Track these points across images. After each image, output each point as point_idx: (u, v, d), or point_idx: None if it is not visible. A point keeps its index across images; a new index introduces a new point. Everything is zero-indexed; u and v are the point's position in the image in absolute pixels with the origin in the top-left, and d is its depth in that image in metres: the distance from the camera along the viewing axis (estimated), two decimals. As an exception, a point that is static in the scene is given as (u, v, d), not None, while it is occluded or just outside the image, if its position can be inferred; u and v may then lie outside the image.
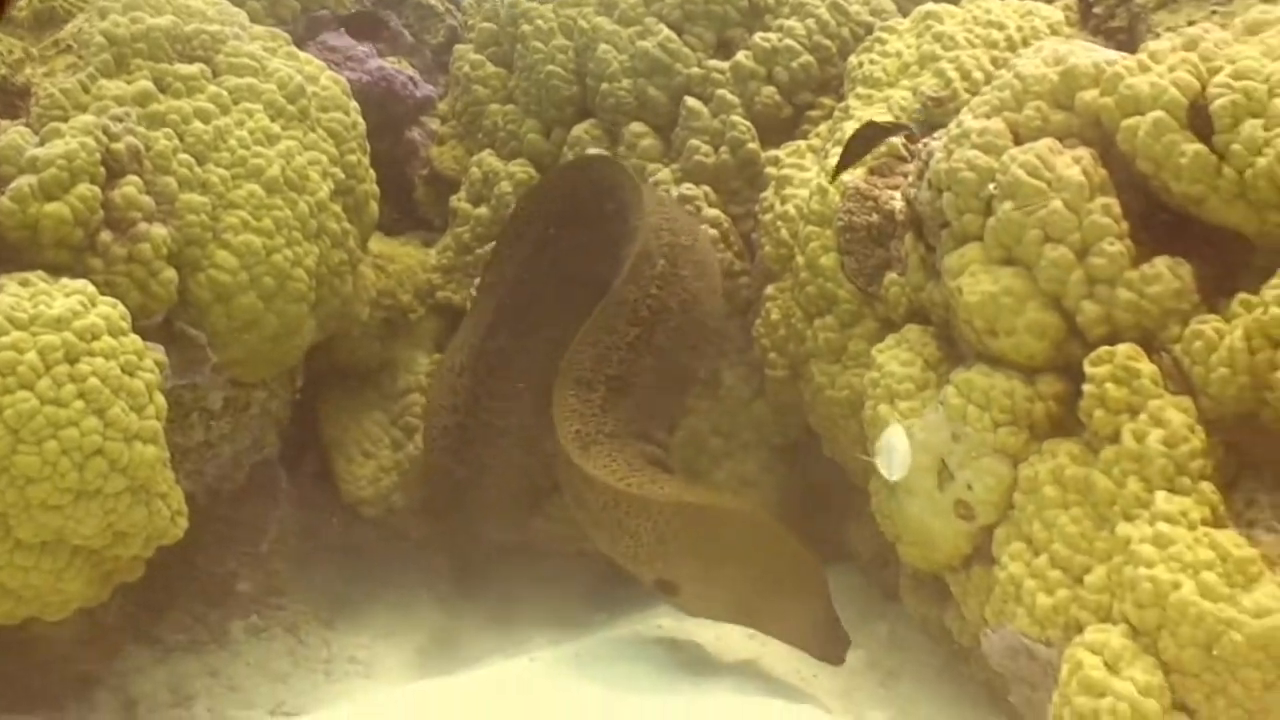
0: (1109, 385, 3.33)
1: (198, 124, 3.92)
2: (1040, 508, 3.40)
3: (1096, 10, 4.39)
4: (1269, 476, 3.33)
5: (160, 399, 3.52)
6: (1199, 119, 3.34)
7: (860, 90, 4.50)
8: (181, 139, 3.89)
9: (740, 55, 4.74)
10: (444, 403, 4.57)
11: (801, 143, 4.66)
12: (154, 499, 3.50)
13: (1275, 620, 3.02)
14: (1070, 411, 3.46)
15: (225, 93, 4.04)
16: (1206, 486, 3.24)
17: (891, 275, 3.99)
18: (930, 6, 4.54)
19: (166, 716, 4.06)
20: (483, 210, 4.97)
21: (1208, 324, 3.31)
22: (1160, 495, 3.22)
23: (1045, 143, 3.50)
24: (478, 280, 4.74)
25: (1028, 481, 3.44)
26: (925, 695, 3.77)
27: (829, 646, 3.94)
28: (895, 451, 3.58)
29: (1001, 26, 4.38)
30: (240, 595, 4.60)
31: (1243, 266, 3.42)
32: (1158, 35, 3.90)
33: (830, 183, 4.11)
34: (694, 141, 4.68)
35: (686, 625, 4.29)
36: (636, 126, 4.77)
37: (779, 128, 4.74)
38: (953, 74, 4.25)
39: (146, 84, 3.90)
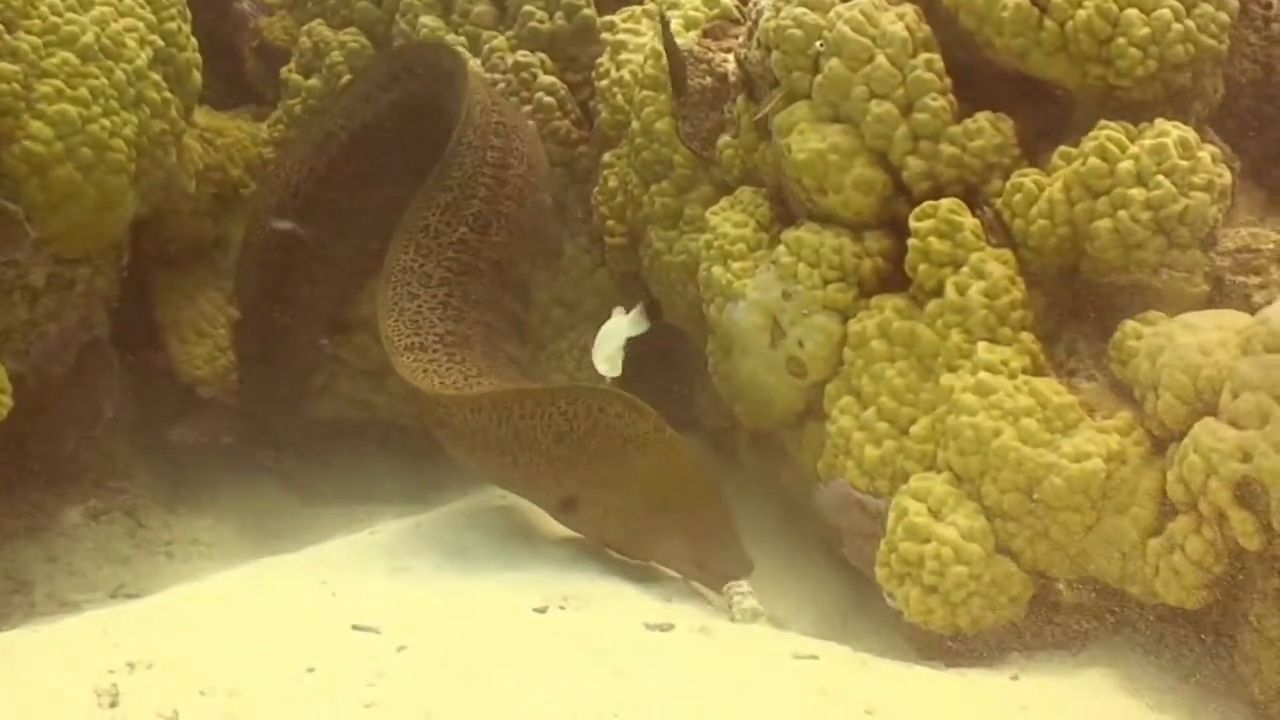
0: (932, 239, 3.37)
1: (5, -10, 3.74)
2: (868, 362, 3.45)
3: None
4: (1090, 327, 3.42)
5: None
6: (1021, -27, 3.36)
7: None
8: (-11, 6, 3.71)
9: (573, -82, 4.65)
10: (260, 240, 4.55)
11: (636, 8, 4.59)
12: (-23, 379, 3.39)
13: (1094, 464, 3.12)
14: (898, 267, 3.50)
15: (34, -44, 3.85)
16: (1027, 337, 3.32)
17: (725, 138, 3.98)
18: None
19: (5, 604, 3.97)
20: (314, 81, 4.84)
21: (1028, 177, 3.37)
22: (982, 346, 3.29)
23: (871, -1, 3.50)
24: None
25: (856, 337, 3.49)
26: (764, 553, 3.81)
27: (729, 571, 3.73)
28: (609, 340, 3.69)
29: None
30: (78, 479, 4.50)
31: (1064, 120, 3.48)
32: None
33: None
34: (529, 7, 4.60)
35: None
36: (470, -9, 4.67)
37: (613, -7, 4.68)
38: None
39: (-53, -51, 3.70)
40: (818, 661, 3.17)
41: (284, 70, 4.92)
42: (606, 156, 4.43)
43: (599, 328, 4.44)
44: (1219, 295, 3.28)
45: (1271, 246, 3.28)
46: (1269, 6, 3.76)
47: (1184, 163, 3.19)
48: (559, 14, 4.61)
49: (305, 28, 4.90)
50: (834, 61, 3.46)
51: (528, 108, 4.51)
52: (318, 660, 2.89)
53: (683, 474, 3.70)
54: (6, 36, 3.71)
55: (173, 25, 4.21)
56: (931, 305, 3.37)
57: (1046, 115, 3.48)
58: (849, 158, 3.48)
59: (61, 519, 4.41)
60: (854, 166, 3.47)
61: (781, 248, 3.60)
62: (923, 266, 3.38)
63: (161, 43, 4.14)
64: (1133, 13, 3.28)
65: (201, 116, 4.70)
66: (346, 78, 4.71)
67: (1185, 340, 3.06)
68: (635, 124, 4.23)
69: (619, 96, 4.37)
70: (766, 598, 3.66)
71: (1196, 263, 3.28)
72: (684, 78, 3.85)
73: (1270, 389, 2.82)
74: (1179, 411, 3.04)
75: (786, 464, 3.86)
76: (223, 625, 3.17)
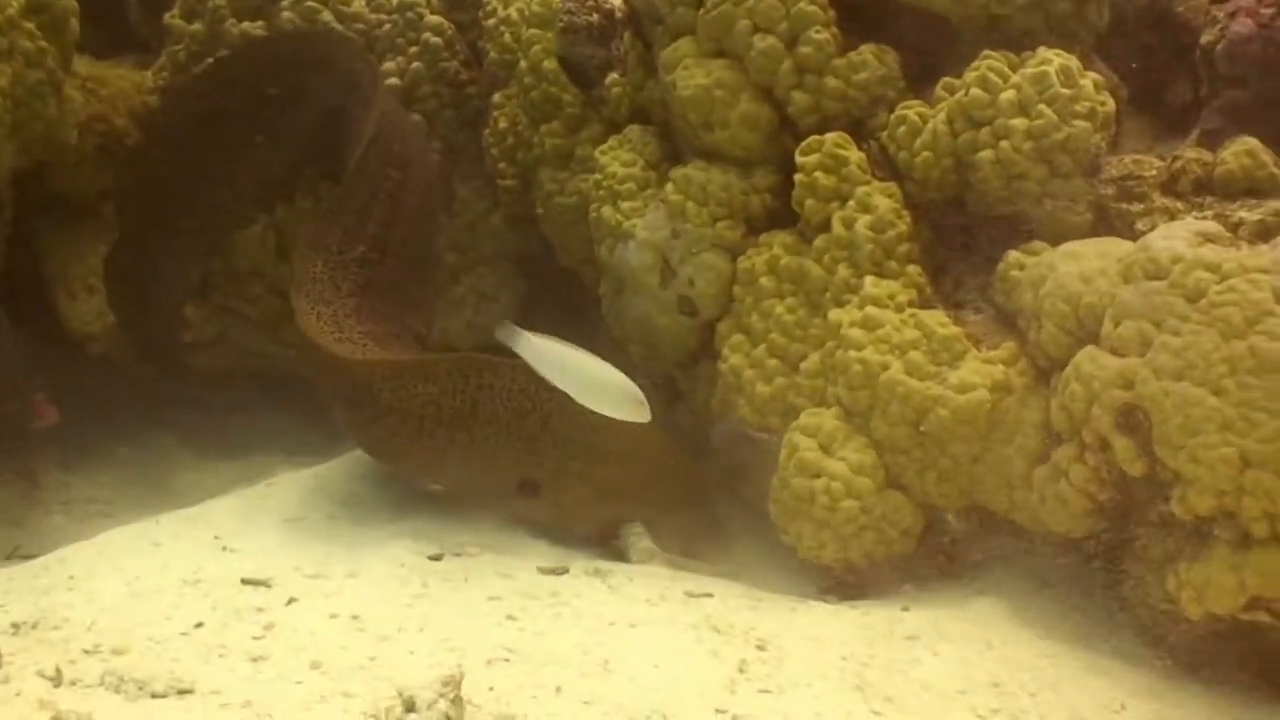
0: (818, 174, 3.36)
1: None
2: (757, 299, 3.44)
3: None
4: (976, 258, 3.42)
5: None
6: (901, -99, 3.35)
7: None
8: None
9: None
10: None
11: (524, -56, 4.52)
12: None
13: (979, 395, 3.13)
14: (786, 203, 3.49)
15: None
16: (913, 270, 3.32)
17: (613, 76, 3.94)
18: None
19: (-105, 567, 3.88)
20: (198, 26, 4.69)
21: (912, 109, 3.36)
22: (868, 280, 3.28)
23: (752, -69, 3.46)
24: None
25: (745, 274, 3.47)
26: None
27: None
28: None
29: None
30: (-31, 443, 4.41)
31: (947, 52, 3.47)
32: None
33: None
34: (414, -55, 4.51)
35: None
36: (354, -69, 4.56)
37: (499, -68, 4.59)
38: None
39: None
40: (711, 599, 3.17)
41: (167, 16, 4.79)
42: (496, 97, 4.38)
43: (495, 273, 4.42)
44: (1103, 223, 3.29)
45: (1154, 173, 3.28)
46: (1154, -67, 3.77)
47: (1066, 91, 3.18)
48: (445, -49, 4.53)
49: (187, -30, 4.76)
50: (718, -5, 3.43)
51: (414, 49, 4.43)
52: (206, 615, 2.85)
53: (650, 453, 3.61)
54: None
55: (48, -28, 4.08)
56: (819, 240, 3.36)
57: (930, 46, 3.46)
58: (734, 93, 3.45)
59: (-49, 480, 4.33)
60: (739, 102, 3.45)
61: (670, 186, 3.57)
62: (809, 202, 3.37)
63: (35, -9, 4.02)
64: (1013, -59, 3.27)
65: (83, 66, 4.56)
66: (230, 22, 4.59)
67: (1067, 269, 3.07)
68: (524, 63, 4.18)
69: (506, 35, 4.30)
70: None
71: (1079, 191, 3.29)
72: None
73: (1150, 315, 2.84)
74: (1061, 340, 3.05)
75: (682, 404, 3.85)
76: (111, 583, 3.10)
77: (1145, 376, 2.79)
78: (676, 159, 3.70)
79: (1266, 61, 3.34)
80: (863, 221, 3.29)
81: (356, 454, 4.32)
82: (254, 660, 2.65)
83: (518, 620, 2.95)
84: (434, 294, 4.32)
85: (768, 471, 3.41)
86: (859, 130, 3.42)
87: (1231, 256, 2.79)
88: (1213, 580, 2.71)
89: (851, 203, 3.32)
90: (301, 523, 3.64)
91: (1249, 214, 3.04)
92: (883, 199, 3.31)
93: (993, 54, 3.28)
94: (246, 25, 4.58)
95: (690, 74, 3.48)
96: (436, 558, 3.36)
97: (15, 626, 2.73)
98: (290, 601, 2.96)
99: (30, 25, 4.02)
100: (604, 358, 4.28)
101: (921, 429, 3.15)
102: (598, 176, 3.79)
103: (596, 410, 2.94)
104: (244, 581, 3.08)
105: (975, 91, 3.21)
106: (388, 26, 4.47)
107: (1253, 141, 3.17)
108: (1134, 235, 3.19)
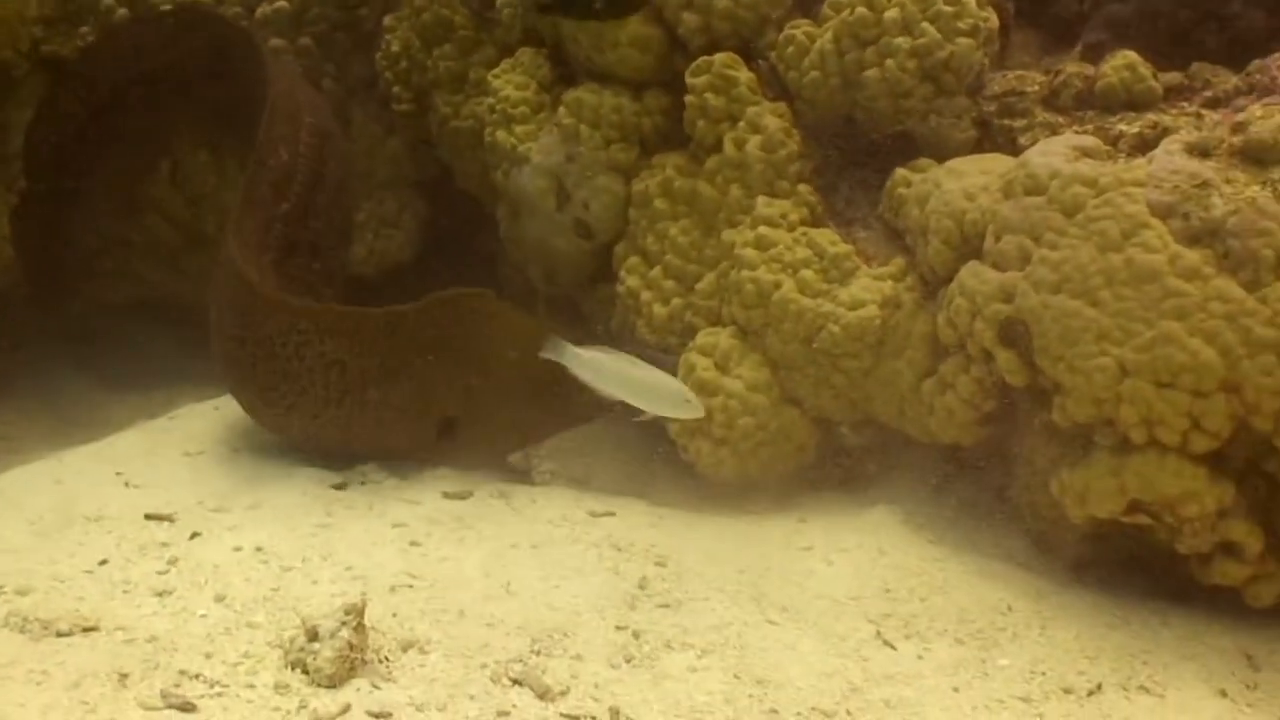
0: (709, 95, 3.38)
1: None
2: (652, 221, 3.47)
3: None
4: (866, 174, 3.47)
5: None
6: None
7: None
8: None
9: None
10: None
11: None
12: None
13: (870, 311, 3.20)
14: (677, 125, 3.50)
15: None
16: (805, 189, 3.36)
17: (504, -3, 3.91)
18: None
19: None
20: (80, -48, 4.60)
21: (799, 29, 3.38)
22: (760, 200, 3.32)
23: None
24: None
25: (639, 196, 3.50)
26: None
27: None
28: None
29: None
30: None
31: (837, -31, 3.48)
32: None
33: None
34: None
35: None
36: None
37: None
38: None
39: None
40: (613, 518, 3.24)
41: (47, -57, 4.68)
42: (388, 19, 4.32)
43: (395, 198, 4.40)
44: (986, 139, 3.36)
45: (1036, 89, 3.34)
46: None
47: (949, 9, 3.23)
48: None
49: (70, -102, 4.65)
50: (604, -85, 3.42)
51: (303, -33, 4.38)
52: (110, 552, 2.87)
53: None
54: None
55: (-82, -102, 3.97)
56: (711, 161, 3.39)
57: (819, -36, 3.47)
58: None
59: None
60: (630, 24, 3.46)
61: (562, 109, 3.57)
62: (700, 123, 3.39)
63: (-94, -83, 3.90)
64: None
65: (-36, -5, 4.46)
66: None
67: (951, 186, 3.12)
68: (414, -16, 4.14)
69: (396, -43, 4.25)
70: (568, 458, 3.70)
71: (963, 108, 3.35)
72: None
73: (1029, 231, 2.91)
74: (946, 256, 3.12)
75: (582, 325, 3.88)
76: (13, 523, 3.10)
77: (1025, 290, 2.87)
78: (570, 81, 3.70)
79: (1145, -25, 3.41)
80: (754, 142, 3.32)
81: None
82: (159, 595, 2.67)
83: (421, 546, 2.99)
84: (345, 267, 4.27)
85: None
86: (748, 50, 3.44)
87: (1108, 171, 2.86)
88: (1094, 485, 2.80)
89: (742, 123, 3.34)
90: (204, 456, 3.65)
91: (1128, 127, 3.11)
92: (773, 119, 3.34)
93: (878, -29, 3.30)
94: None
95: (580, -5, 3.48)
96: (340, 486, 3.38)
97: (-84, 569, 2.73)
98: (194, 536, 2.98)
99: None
100: (508, 282, 4.35)
101: (814, 345, 3.20)
102: (491, 100, 3.79)
103: (653, 413, 2.96)
104: (147, 517, 3.10)
105: (860, 10, 3.24)
106: (277, -54, 4.39)
107: (1132, 55, 3.24)
108: (1017, 150, 3.25)
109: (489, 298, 3.40)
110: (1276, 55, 3.05)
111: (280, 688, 2.33)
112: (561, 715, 2.38)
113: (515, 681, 2.46)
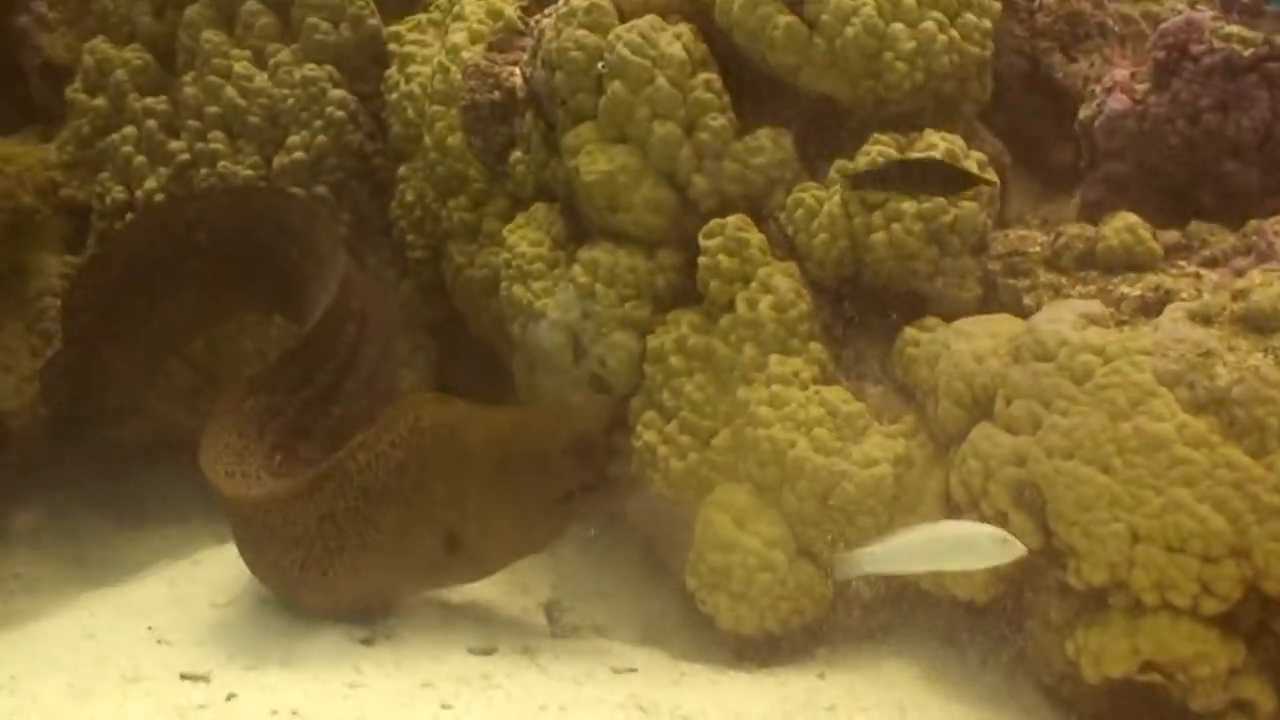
0: (721, 256, 3.48)
1: None
2: (668, 377, 3.56)
3: None
4: (875, 331, 3.57)
5: None
6: (790, -9, 3.47)
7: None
8: None
9: (350, -73, 4.61)
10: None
11: (422, 16, 4.57)
12: None
13: (882, 469, 3.29)
14: (691, 281, 3.61)
15: None
16: (815, 346, 3.45)
17: (517, 153, 4.01)
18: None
19: None
20: (101, 101, 4.72)
21: (808, 192, 3.50)
22: (774, 359, 3.41)
23: (648, 19, 3.58)
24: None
25: (655, 353, 3.59)
26: (584, 564, 3.92)
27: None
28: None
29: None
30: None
31: (840, 129, 3.60)
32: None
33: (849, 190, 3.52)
34: (312, 19, 4.53)
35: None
36: (252, 4, 4.58)
37: (398, 3, 4.65)
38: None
39: None
40: (636, 674, 3.30)
41: (69, 90, 4.80)
42: (402, 170, 4.43)
43: (407, 339, 4.49)
44: (991, 297, 3.47)
45: (1038, 249, 3.46)
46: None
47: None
48: (344, 25, 4.56)
49: (87, 45, 4.76)
50: (616, 84, 3.53)
51: (319, 122, 4.48)
52: (151, 716, 2.90)
53: (509, 429, 3.45)
54: None
55: (-57, 46, 4.10)
56: (724, 320, 3.48)
57: (823, 126, 3.59)
58: (637, 178, 3.56)
59: None
60: (642, 186, 3.56)
61: (578, 267, 3.67)
62: (714, 283, 3.49)
63: (-67, 65, 4.03)
64: (898, 27, 3.41)
65: (-13, 143, 4.59)
66: (133, 96, 4.61)
67: (960, 348, 3.23)
68: (428, 138, 4.25)
69: (409, 110, 4.36)
70: (588, 607, 3.76)
71: (968, 269, 3.46)
72: None
73: (1039, 396, 3.01)
74: (957, 416, 3.22)
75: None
76: (55, 685, 3.12)
77: (1037, 455, 2.96)
78: (583, 236, 3.79)
79: (1142, 136, 3.54)
80: (765, 302, 3.42)
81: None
82: (204, 762, 2.73)
83: (453, 708, 3.03)
84: None
85: (684, 543, 3.53)
86: (758, 210, 3.55)
87: (1115, 339, 2.97)
88: (1108, 646, 2.88)
89: (754, 284, 3.44)
90: (231, 608, 3.69)
91: (1130, 289, 3.22)
92: (783, 279, 3.44)
93: (882, 138, 3.43)
94: (150, 101, 4.61)
95: (594, 160, 3.59)
96: (367, 641, 3.42)
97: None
98: (230, 697, 3.01)
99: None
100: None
101: (830, 503, 3.28)
102: (507, 255, 3.88)
103: (976, 567, 2.97)
104: (183, 677, 3.14)
105: (868, 178, 3.35)
106: (291, 101, 4.50)
107: (1132, 217, 3.35)
108: (1022, 309, 3.37)
109: (445, 402, 3.47)
110: (1274, 219, 3.17)
111: None
112: None
113: None
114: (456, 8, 4.32)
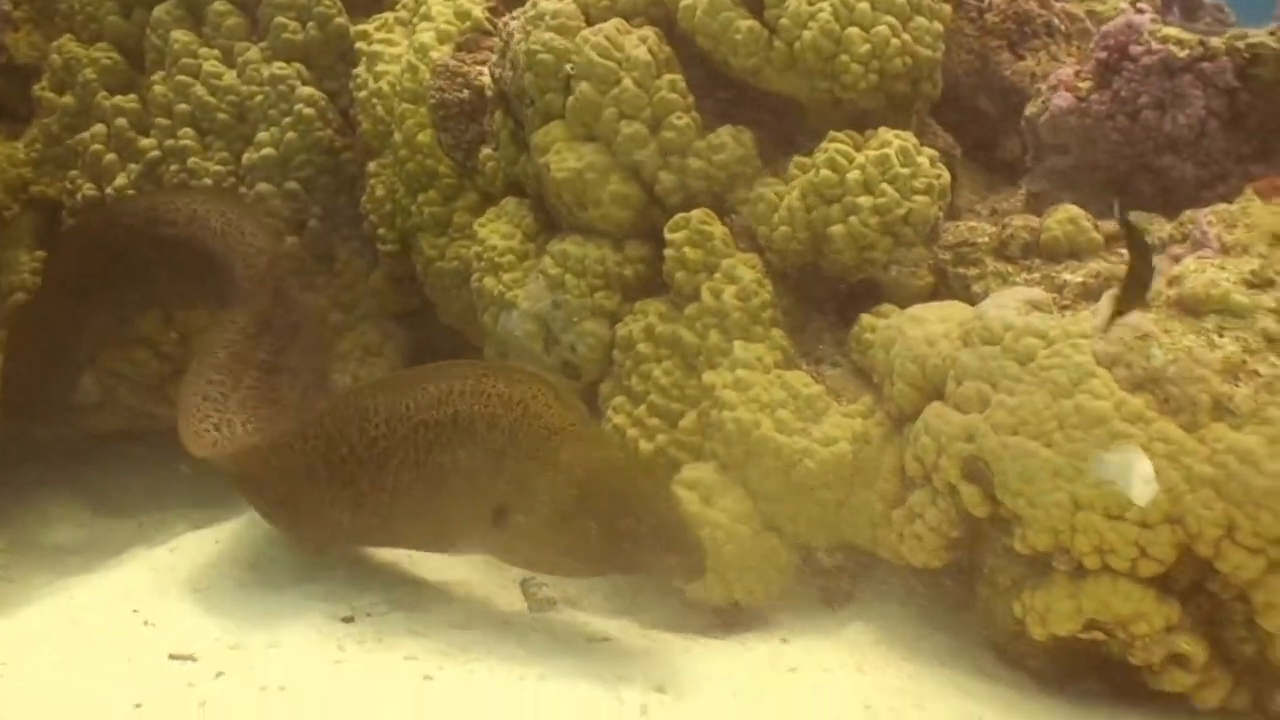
0: (686, 249, 3.66)
1: None
2: (636, 363, 3.73)
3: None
4: (833, 317, 3.77)
5: None
6: (751, -4, 3.65)
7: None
8: None
9: (314, -74, 4.73)
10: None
11: (389, 15, 4.70)
12: None
13: (841, 448, 3.47)
14: (657, 272, 3.78)
15: None
16: (777, 333, 3.64)
17: (486, 150, 4.16)
18: None
19: None
20: (68, 99, 4.82)
21: (769, 187, 3.68)
22: (738, 344, 3.59)
23: (614, 23, 3.74)
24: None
25: (623, 340, 3.76)
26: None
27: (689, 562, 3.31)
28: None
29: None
30: None
31: (799, 126, 3.80)
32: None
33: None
34: (280, 19, 4.65)
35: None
36: (220, 4, 4.70)
37: (365, 1, 4.78)
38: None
39: None
40: (609, 643, 3.46)
41: (36, 88, 4.89)
42: (372, 165, 4.55)
43: (377, 329, 4.62)
44: (943, 286, 3.67)
45: (986, 240, 3.66)
46: (982, -1, 4.15)
47: (905, 170, 3.54)
48: (311, 24, 4.68)
49: (55, 44, 4.86)
50: (584, 85, 3.69)
51: (288, 119, 4.60)
52: (143, 695, 3.01)
53: (615, 472, 3.31)
54: None
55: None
56: (690, 309, 3.66)
57: (783, 124, 3.78)
58: (604, 175, 3.72)
59: None
60: (610, 183, 3.72)
61: (548, 259, 3.83)
62: (680, 274, 3.66)
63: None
64: (854, 31, 3.59)
65: (-46, 141, 4.67)
66: (102, 95, 4.72)
67: (914, 333, 3.42)
68: (397, 136, 4.38)
69: (379, 108, 4.48)
70: (562, 582, 3.91)
71: (921, 258, 3.66)
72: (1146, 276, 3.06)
73: (987, 377, 3.21)
74: (911, 396, 3.41)
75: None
76: (42, 666, 3.24)
77: (985, 431, 3.16)
78: (552, 229, 3.95)
79: (1084, 131, 3.74)
80: (729, 291, 3.60)
81: (252, 515, 4.48)
82: (200, 737, 2.86)
83: (435, 680, 3.18)
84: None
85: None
86: (720, 204, 3.72)
87: (1056, 324, 3.18)
88: (1054, 607, 3.09)
89: (718, 274, 3.62)
90: (214, 591, 3.80)
91: (1072, 276, 3.42)
92: (746, 270, 3.62)
93: (839, 135, 3.61)
94: (119, 99, 4.71)
95: (563, 158, 3.74)
96: (349, 619, 3.55)
97: (-49, 719, 2.87)
98: (218, 675, 3.13)
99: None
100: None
101: (792, 479, 3.47)
102: (478, 248, 4.03)
103: None
104: (171, 657, 3.24)
105: (825, 173, 3.54)
106: (260, 98, 4.62)
107: (1074, 209, 3.56)
108: (971, 296, 3.56)
109: (565, 403, 3.33)
110: (1206, 210, 3.37)
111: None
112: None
113: (539, 814, 2.70)
114: (423, 8, 4.46)
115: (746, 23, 3.62)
